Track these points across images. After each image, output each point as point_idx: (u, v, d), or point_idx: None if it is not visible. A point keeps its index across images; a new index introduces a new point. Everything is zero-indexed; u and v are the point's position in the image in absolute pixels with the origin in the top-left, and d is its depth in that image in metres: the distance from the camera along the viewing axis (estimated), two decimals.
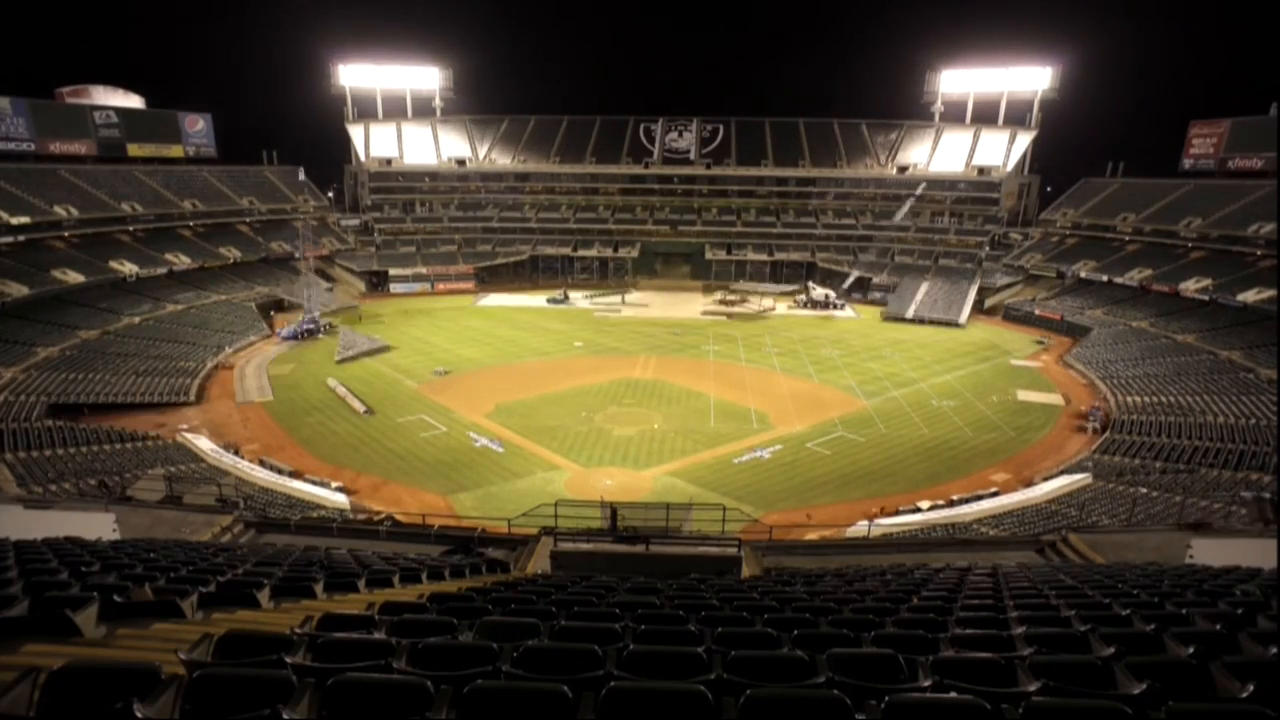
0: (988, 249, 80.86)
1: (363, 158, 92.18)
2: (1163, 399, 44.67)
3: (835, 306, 76.49)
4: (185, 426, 40.15)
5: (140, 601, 7.43)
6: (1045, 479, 34.34)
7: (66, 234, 63.96)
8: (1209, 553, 15.21)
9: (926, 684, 4.76)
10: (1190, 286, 61.43)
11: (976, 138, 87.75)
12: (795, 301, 78.87)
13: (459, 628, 6.22)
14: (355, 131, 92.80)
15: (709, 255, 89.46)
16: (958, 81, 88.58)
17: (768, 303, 76.81)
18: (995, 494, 32.80)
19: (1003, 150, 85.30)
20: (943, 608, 8.39)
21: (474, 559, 16.43)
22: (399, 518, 27.44)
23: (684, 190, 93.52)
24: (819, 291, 78.42)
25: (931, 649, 5.90)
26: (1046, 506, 30.28)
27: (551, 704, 3.99)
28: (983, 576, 12.61)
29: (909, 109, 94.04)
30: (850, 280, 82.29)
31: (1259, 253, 60.02)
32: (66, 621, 6.21)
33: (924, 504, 31.53)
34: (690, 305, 78.11)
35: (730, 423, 42.54)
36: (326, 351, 57.94)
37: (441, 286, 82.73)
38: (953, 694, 4.38)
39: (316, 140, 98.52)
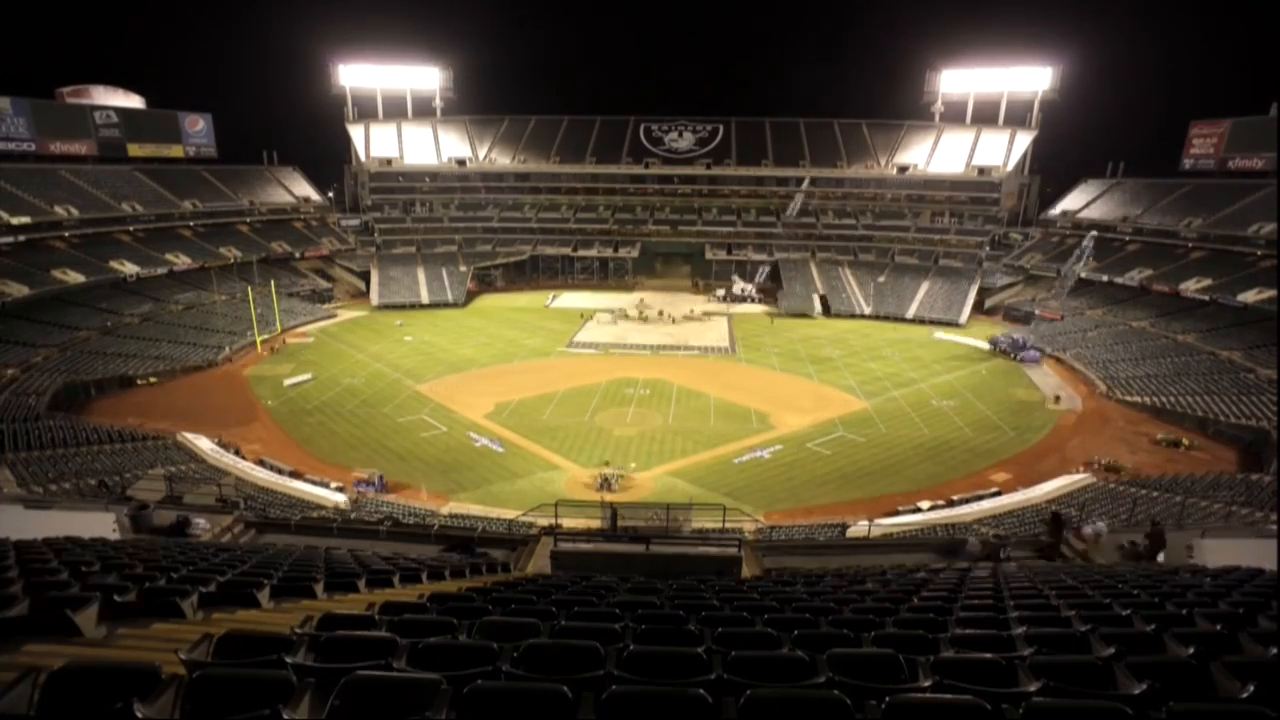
0: (988, 249, 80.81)
1: (363, 158, 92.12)
2: (1163, 399, 44.68)
3: (752, 300, 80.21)
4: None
5: (140, 600, 7.43)
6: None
7: (66, 234, 63.93)
8: (1209, 553, 15.20)
9: (927, 684, 4.76)
10: (1190, 286, 61.40)
11: (976, 138, 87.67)
12: (714, 297, 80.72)
13: (459, 627, 6.21)
14: (355, 131, 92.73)
15: (709, 255, 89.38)
16: (958, 82, 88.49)
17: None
18: (996, 494, 32.79)
19: (1003, 150, 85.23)
20: (943, 608, 8.39)
21: (476, 559, 16.44)
22: (399, 517, 27.46)
23: (684, 190, 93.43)
24: (740, 286, 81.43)
25: (932, 649, 5.90)
26: (1046, 506, 30.25)
27: (551, 704, 3.98)
28: (983, 576, 12.61)
29: (909, 109, 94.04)
30: (762, 274, 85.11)
31: (1259, 253, 59.94)
32: (66, 621, 6.21)
33: (924, 504, 31.53)
34: (690, 306, 78.13)
35: (730, 423, 42.53)
36: (326, 352, 57.96)
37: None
38: (953, 694, 4.38)
39: (316, 140, 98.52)
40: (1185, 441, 38.53)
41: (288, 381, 48.62)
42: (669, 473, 35.59)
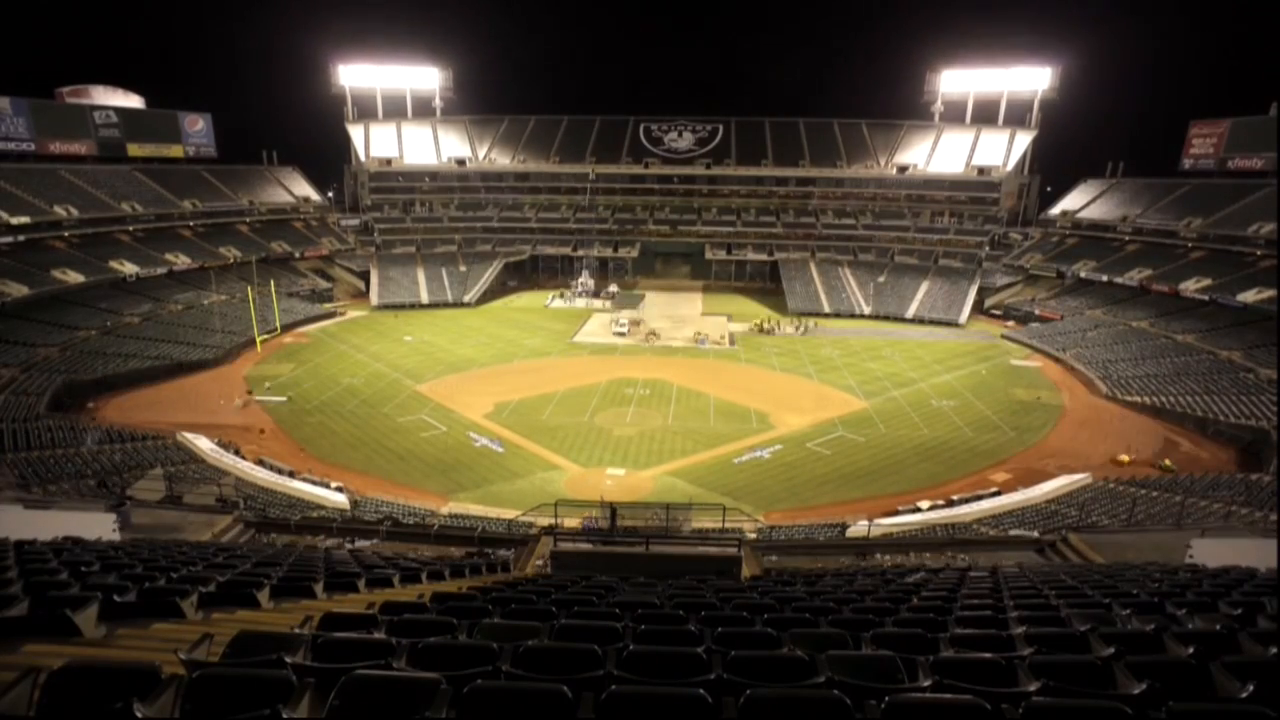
0: (988, 249, 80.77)
1: (363, 158, 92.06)
2: (1163, 399, 44.68)
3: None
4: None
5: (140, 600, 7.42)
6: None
7: (66, 234, 63.85)
8: (1209, 553, 15.21)
9: (926, 684, 4.76)
10: (1190, 286, 61.40)
11: (976, 138, 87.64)
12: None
13: (459, 628, 6.21)
14: (355, 131, 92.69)
15: (709, 255, 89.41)
16: (958, 81, 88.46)
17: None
18: (996, 494, 32.78)
19: (1003, 150, 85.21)
20: (943, 608, 8.39)
21: (487, 559, 16.50)
22: (399, 518, 27.46)
23: (684, 190, 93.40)
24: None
25: (931, 649, 5.90)
26: (1046, 506, 30.28)
27: (551, 704, 3.98)
28: (983, 576, 12.61)
29: (909, 109, 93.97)
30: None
31: (1259, 253, 59.92)
32: (66, 621, 6.21)
33: (924, 504, 31.52)
34: (690, 305, 78.17)
35: (730, 423, 42.52)
36: (326, 352, 57.96)
37: None
38: (952, 694, 4.38)
39: (316, 140, 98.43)
40: (1168, 463, 37.12)
41: (259, 396, 46.34)
42: (669, 473, 35.58)
